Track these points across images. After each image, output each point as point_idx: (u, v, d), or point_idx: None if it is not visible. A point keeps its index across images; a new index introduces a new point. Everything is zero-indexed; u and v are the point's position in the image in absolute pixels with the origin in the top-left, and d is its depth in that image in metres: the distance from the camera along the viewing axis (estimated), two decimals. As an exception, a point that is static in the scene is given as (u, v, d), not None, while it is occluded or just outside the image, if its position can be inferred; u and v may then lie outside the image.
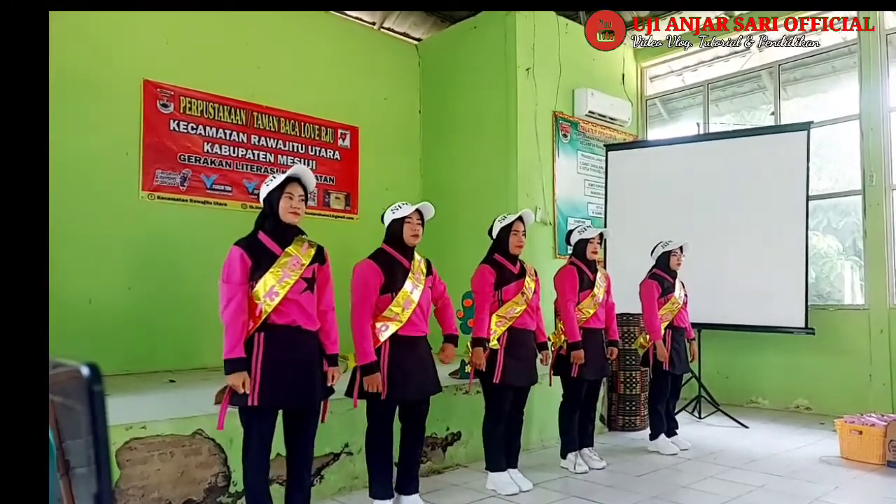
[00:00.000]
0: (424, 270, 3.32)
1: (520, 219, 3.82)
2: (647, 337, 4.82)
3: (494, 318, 3.72)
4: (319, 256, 2.85)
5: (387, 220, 3.31)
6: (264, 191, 2.80)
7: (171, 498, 3.05)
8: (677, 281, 4.86)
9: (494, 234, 3.83)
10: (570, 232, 4.40)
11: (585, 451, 4.35)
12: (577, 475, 4.10)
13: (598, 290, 4.21)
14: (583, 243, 4.24)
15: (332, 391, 2.90)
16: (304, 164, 6.24)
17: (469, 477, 3.94)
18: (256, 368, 2.63)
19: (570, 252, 4.40)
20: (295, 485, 2.83)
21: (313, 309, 2.80)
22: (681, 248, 4.86)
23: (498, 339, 3.70)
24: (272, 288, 2.66)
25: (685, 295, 4.93)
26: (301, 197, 2.79)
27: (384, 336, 3.15)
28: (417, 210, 3.27)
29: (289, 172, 2.77)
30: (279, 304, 2.66)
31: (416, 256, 3.32)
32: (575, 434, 4.27)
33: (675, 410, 5.07)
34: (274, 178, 2.80)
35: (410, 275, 3.22)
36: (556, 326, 4.29)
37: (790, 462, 4.44)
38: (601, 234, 4.28)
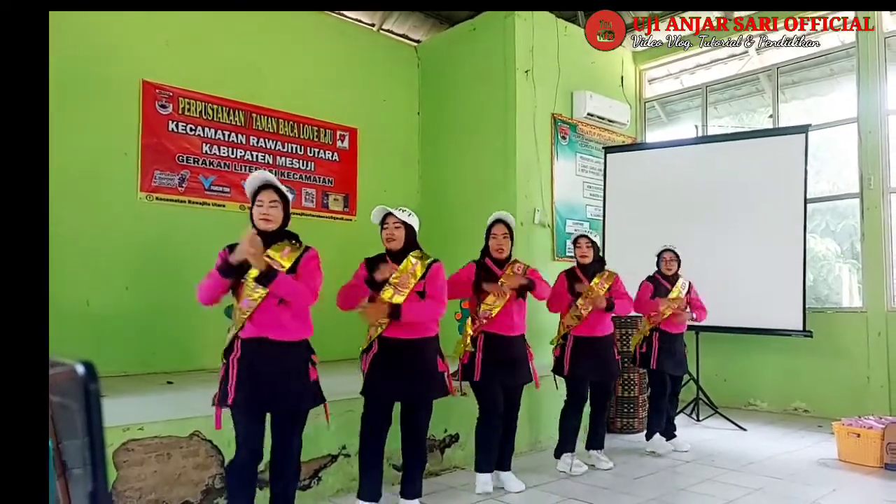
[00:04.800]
0: (418, 274, 3.20)
1: (498, 221, 3.82)
2: (639, 336, 4.87)
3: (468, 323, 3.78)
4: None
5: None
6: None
7: (167, 499, 3.04)
8: (680, 284, 4.86)
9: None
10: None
11: (594, 452, 4.40)
12: (574, 477, 4.11)
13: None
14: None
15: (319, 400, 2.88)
16: (303, 165, 6.26)
17: (467, 479, 3.94)
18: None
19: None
20: None
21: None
22: (667, 250, 4.91)
23: (474, 342, 3.73)
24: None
25: (689, 300, 4.90)
26: (272, 202, 2.79)
27: (373, 337, 3.19)
28: (389, 213, 3.23)
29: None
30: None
31: (411, 260, 3.22)
32: (571, 435, 4.27)
33: (675, 412, 5.08)
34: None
35: (392, 279, 3.17)
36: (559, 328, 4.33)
37: (788, 465, 4.44)
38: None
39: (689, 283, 4.96)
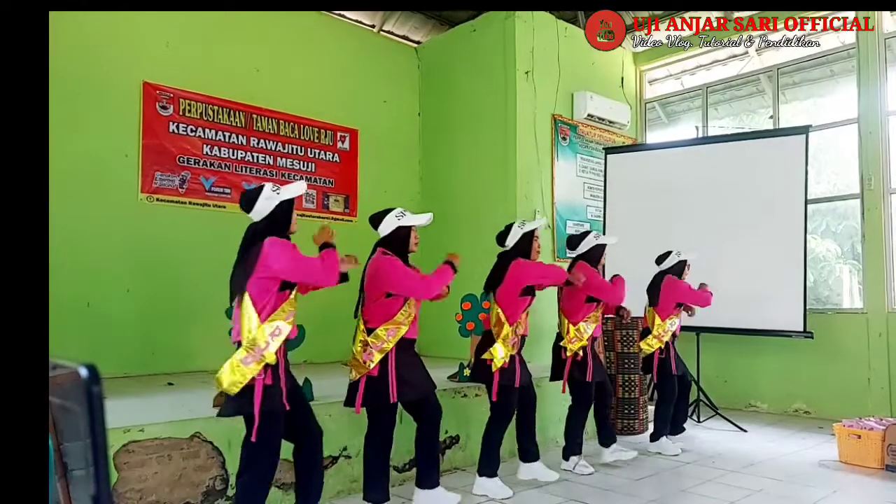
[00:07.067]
0: None
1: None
2: (651, 341, 4.84)
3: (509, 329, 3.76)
4: None
5: (391, 226, 3.32)
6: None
7: (168, 501, 3.04)
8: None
9: (512, 240, 3.88)
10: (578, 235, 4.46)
11: (615, 447, 4.47)
12: (576, 477, 4.11)
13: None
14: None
15: None
16: (304, 166, 6.26)
17: (467, 480, 3.93)
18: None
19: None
20: None
21: None
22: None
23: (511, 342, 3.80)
24: None
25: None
26: None
27: (394, 341, 3.19)
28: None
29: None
30: None
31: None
32: (580, 438, 4.30)
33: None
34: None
35: None
36: (569, 331, 4.20)
37: (789, 466, 4.44)
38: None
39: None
